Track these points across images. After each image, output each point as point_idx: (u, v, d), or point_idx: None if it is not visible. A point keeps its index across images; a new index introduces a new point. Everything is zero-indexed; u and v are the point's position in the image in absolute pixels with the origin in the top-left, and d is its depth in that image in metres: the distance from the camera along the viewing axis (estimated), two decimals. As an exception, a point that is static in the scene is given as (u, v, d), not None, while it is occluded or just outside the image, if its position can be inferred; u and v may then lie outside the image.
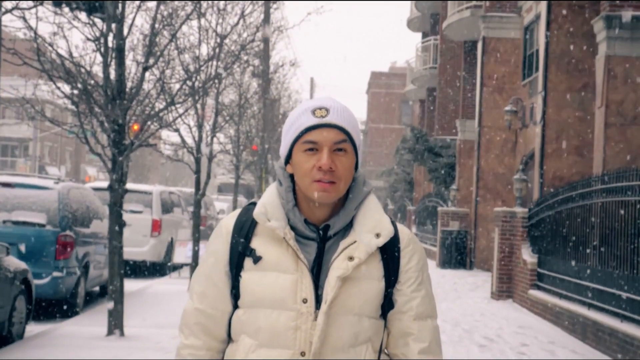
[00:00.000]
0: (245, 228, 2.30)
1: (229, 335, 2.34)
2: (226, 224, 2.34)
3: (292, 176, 2.29)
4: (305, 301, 2.21)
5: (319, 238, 2.26)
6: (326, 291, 2.20)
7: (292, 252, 2.23)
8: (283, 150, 2.30)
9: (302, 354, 2.20)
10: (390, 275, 2.28)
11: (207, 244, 2.40)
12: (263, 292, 2.23)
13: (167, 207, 18.70)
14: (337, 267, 2.21)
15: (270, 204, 2.28)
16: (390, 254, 2.29)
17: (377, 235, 2.26)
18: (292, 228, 2.26)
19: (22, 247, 10.84)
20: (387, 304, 2.30)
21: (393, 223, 2.33)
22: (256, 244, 2.27)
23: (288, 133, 2.27)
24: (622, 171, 9.94)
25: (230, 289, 2.30)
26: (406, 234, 2.34)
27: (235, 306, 2.31)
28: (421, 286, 2.32)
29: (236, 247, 2.28)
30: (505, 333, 11.11)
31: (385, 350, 2.37)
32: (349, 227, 2.28)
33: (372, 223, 2.27)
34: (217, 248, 2.33)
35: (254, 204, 2.34)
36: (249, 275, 2.25)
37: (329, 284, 2.20)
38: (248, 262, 2.26)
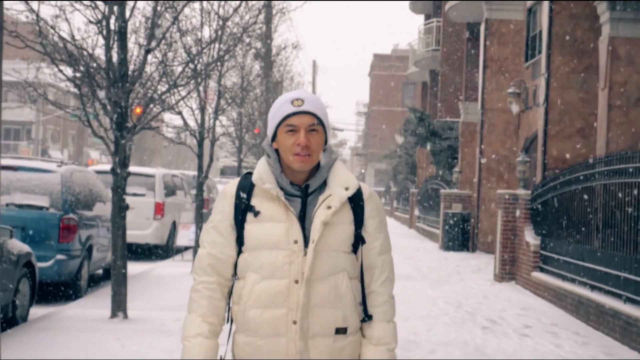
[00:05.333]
0: (245, 191, 3.00)
1: (232, 276, 3.04)
2: (229, 189, 3.04)
3: (277, 150, 2.98)
4: (296, 242, 2.92)
5: (303, 195, 2.97)
6: (313, 233, 2.92)
7: (284, 206, 2.94)
8: (269, 132, 3.00)
9: (296, 281, 2.91)
10: (357, 220, 3.00)
11: (214, 205, 3.07)
12: (263, 237, 2.94)
13: (169, 190, 18.69)
14: (320, 214, 2.92)
15: (263, 171, 2.99)
16: (356, 203, 3.01)
17: (347, 189, 2.98)
18: (281, 188, 2.96)
19: (26, 230, 10.86)
20: (356, 242, 3.01)
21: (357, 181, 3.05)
22: (255, 202, 2.98)
23: (273, 118, 2.98)
24: (625, 153, 9.92)
25: (236, 238, 3.00)
26: (367, 188, 3.06)
27: (239, 252, 3.01)
28: (381, 228, 3.06)
29: (240, 206, 2.99)
30: (508, 315, 11.14)
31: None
32: (323, 185, 2.99)
33: (342, 180, 2.99)
34: (223, 208, 3.03)
35: (249, 173, 3.04)
36: (252, 226, 2.97)
37: (314, 227, 2.92)
38: (250, 216, 2.97)
